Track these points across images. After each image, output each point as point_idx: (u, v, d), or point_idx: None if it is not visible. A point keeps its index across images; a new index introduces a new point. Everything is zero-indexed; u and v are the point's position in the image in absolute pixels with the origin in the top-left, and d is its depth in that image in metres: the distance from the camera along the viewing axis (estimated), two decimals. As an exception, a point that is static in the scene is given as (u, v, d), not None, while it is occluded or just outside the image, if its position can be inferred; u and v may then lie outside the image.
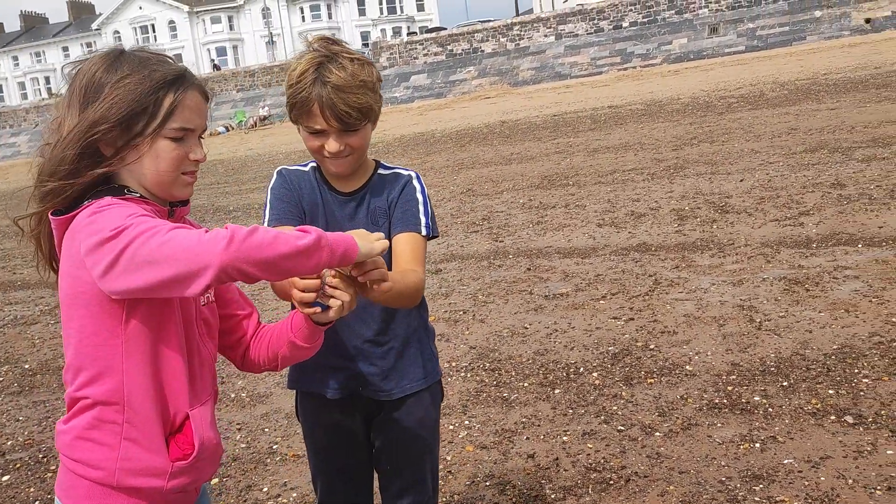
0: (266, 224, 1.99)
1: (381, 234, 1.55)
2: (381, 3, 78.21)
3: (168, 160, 1.52)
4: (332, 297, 1.59)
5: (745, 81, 22.08)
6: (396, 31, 73.69)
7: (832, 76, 19.49)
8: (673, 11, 39.37)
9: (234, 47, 75.41)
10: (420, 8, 79.85)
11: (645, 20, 39.88)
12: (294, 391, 2.22)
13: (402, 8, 78.73)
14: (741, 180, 8.80)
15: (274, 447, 3.96)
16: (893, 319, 4.35)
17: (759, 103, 16.37)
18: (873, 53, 23.83)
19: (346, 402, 2.10)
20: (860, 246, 5.79)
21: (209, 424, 1.59)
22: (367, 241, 1.49)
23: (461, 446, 3.69)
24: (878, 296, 4.74)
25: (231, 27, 76.49)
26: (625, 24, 40.23)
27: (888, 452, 3.08)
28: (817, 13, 35.98)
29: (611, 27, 40.50)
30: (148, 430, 1.49)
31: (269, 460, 3.82)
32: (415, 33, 58.19)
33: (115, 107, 1.47)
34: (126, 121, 1.48)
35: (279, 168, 2.10)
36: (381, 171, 2.08)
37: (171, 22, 75.73)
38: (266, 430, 4.19)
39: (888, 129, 10.56)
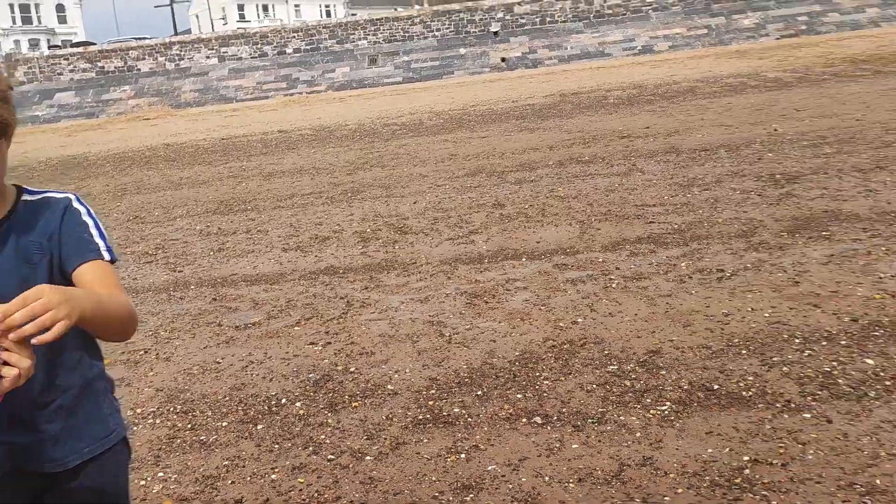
0: None
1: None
2: (12, 12, 69.83)
3: None
4: (7, 363, 1.26)
5: (405, 110, 23.52)
6: (34, 44, 66.39)
7: (479, 108, 21.59)
8: (334, 41, 40.73)
9: None
10: (62, 20, 72.88)
11: (308, 48, 40.69)
12: None
13: (39, 18, 71.11)
14: (415, 202, 9.29)
15: None
16: (560, 325, 4.86)
17: (420, 131, 17.52)
18: (510, 89, 26.90)
19: (6, 481, 1.72)
20: (524, 259, 6.41)
21: None
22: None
23: (157, 502, 3.32)
24: (546, 304, 5.27)
25: None
26: (289, 51, 40.64)
27: (574, 447, 3.40)
28: (462, 50, 39.76)
29: (275, 52, 40.63)
30: None
31: None
32: (58, 46, 52.84)
33: None
34: None
35: None
36: (26, 197, 1.73)
37: None
38: None
39: (531, 156, 11.93)
